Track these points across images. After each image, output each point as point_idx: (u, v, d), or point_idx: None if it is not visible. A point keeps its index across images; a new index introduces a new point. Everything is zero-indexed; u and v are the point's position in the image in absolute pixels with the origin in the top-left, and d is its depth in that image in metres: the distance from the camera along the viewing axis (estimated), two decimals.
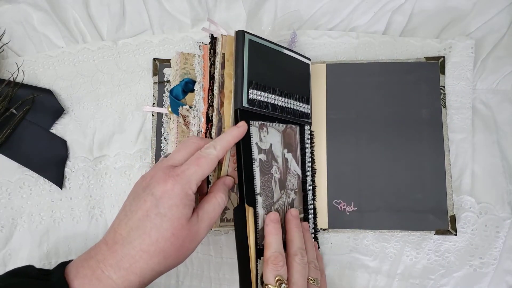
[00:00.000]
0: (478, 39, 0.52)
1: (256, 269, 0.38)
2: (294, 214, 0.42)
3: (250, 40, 0.41)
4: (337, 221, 0.48)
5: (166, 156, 0.39)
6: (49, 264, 0.50)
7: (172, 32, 0.56)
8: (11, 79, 0.52)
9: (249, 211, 0.39)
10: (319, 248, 0.49)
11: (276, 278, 0.37)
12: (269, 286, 0.37)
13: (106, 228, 0.51)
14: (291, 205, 0.44)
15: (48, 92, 0.53)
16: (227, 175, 0.41)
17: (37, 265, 0.50)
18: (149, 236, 0.33)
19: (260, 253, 0.39)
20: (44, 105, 0.52)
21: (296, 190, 0.45)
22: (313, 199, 0.48)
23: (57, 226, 0.51)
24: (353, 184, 0.49)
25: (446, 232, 0.47)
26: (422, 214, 0.47)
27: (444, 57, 0.50)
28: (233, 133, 0.38)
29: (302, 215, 0.46)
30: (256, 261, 0.38)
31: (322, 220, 0.48)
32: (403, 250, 0.49)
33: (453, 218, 0.47)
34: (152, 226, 0.33)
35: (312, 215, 0.47)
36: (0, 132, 0.50)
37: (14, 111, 0.51)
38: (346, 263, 0.49)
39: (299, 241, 0.40)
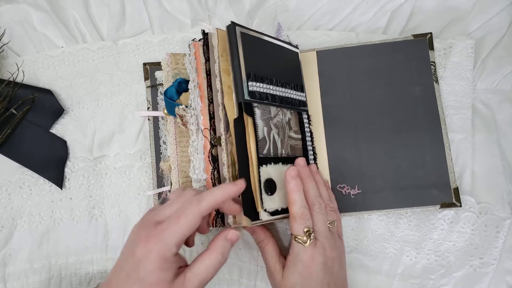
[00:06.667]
0: (478, 39, 0.52)
1: (259, 176, 0.39)
2: (302, 164, 0.43)
3: (241, 33, 0.42)
4: (343, 205, 0.48)
5: (161, 203, 0.38)
6: (49, 264, 0.50)
7: (172, 32, 0.56)
8: (11, 79, 0.52)
9: (248, 120, 0.40)
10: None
11: (305, 230, 0.40)
12: (299, 237, 0.40)
13: (106, 228, 0.51)
14: (289, 124, 0.45)
15: (48, 92, 0.53)
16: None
17: (37, 265, 0.50)
18: None
19: (262, 161, 0.40)
20: (44, 105, 0.52)
21: (292, 111, 0.46)
22: (309, 124, 0.49)
23: (57, 226, 0.51)
24: (355, 167, 0.49)
25: (451, 205, 0.47)
26: (425, 190, 0.47)
27: (431, 33, 0.50)
28: (227, 190, 0.36)
29: (300, 136, 0.47)
30: (259, 168, 0.40)
31: None
32: (403, 250, 0.49)
33: (456, 190, 0.47)
34: None
35: (310, 138, 0.48)
36: (0, 132, 0.51)
37: (14, 111, 0.51)
38: (346, 263, 0.49)
39: (313, 191, 0.42)
